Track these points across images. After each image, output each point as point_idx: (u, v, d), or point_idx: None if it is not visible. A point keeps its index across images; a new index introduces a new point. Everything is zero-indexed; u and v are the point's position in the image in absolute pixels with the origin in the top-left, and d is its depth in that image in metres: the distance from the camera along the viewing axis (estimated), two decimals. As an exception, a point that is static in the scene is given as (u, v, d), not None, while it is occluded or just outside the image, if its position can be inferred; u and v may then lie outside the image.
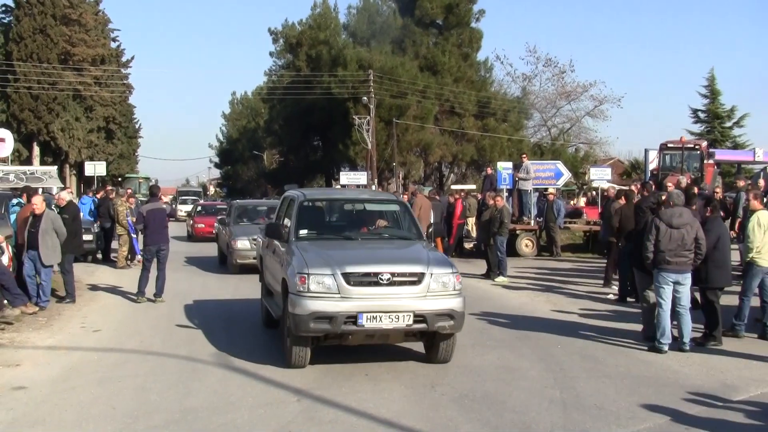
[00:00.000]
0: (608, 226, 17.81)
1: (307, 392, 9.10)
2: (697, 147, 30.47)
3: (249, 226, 22.36)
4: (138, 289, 16.49)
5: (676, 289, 11.24)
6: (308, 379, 9.67)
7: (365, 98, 51.79)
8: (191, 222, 37.53)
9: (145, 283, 16.45)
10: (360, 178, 46.11)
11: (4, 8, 55.85)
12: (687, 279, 11.28)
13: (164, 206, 17.63)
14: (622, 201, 17.26)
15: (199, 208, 39.59)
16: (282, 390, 9.26)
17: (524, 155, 29.13)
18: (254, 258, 17.94)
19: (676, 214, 11.20)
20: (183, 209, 58.93)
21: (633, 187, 18.39)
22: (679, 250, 11.07)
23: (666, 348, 11.17)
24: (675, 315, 11.42)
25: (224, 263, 23.40)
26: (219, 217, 27.33)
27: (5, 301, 13.59)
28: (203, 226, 34.91)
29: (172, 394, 9.07)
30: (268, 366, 10.38)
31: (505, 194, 25.64)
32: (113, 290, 17.86)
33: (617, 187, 24.16)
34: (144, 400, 8.83)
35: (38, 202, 15.13)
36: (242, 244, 21.04)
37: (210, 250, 27.35)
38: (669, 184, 21.36)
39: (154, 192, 18.39)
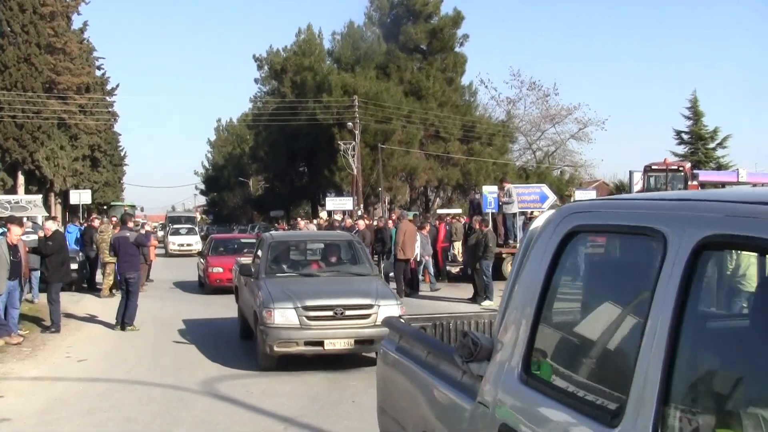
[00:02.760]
0: None
1: (294, 420, 9.06)
2: (681, 169, 30.70)
3: (296, 282, 13.01)
4: (116, 319, 16.47)
5: None
6: (295, 407, 9.61)
7: (350, 124, 51.89)
8: (203, 264, 25.60)
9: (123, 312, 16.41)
10: (346, 203, 46.18)
11: (-12, 38, 55.70)
12: None
13: (128, 234, 17.46)
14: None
15: (214, 244, 27.14)
16: (269, 418, 9.20)
17: (504, 180, 29.07)
18: (306, 342, 11.58)
19: None
20: (175, 242, 48.58)
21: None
22: None
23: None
24: None
25: (248, 338, 14.13)
26: (241, 262, 16.08)
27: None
28: (221, 270, 23.27)
29: (158, 423, 9.01)
30: (255, 395, 10.33)
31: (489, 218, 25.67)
32: (98, 319, 17.70)
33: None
34: (130, 430, 8.77)
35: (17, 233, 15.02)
36: (284, 317, 11.55)
37: (229, 307, 17.50)
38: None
39: (123, 220, 18.45)
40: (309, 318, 11.56)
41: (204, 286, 24.76)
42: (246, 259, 17.10)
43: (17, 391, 10.80)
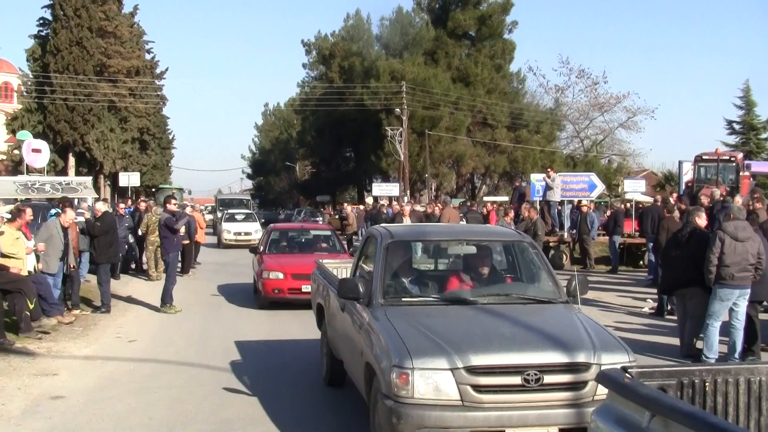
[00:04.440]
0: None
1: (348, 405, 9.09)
2: (732, 159, 30.22)
3: (439, 316, 7.53)
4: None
5: (735, 304, 11.10)
6: (347, 393, 9.64)
7: (398, 110, 51.87)
8: (257, 264, 18.22)
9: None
10: (392, 189, 46.16)
11: (42, 21, 56.56)
12: (747, 294, 11.12)
13: (158, 216, 17.68)
14: (667, 214, 17.09)
15: (274, 236, 19.74)
16: (322, 402, 9.26)
17: (550, 168, 28.96)
18: None
19: (740, 228, 10.99)
20: (231, 230, 38.28)
21: (672, 199, 18.24)
22: (744, 264, 10.86)
23: (713, 362, 10.98)
24: (727, 330, 11.30)
25: (338, 385, 9.81)
26: (338, 278, 9.59)
27: (42, 311, 13.68)
28: (280, 277, 16.51)
29: (207, 405, 9.10)
30: (306, 379, 10.42)
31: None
32: (146, 301, 17.84)
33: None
34: (180, 411, 8.87)
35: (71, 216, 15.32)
36: (432, 384, 6.42)
37: (301, 326, 13.88)
38: (702, 196, 21.17)
39: (165, 202, 18.56)
40: (478, 388, 6.39)
41: (258, 295, 17.66)
42: (332, 263, 12.14)
43: (70, 369, 10.97)
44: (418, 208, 31.24)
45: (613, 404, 3.85)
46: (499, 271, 8.97)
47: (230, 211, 42.64)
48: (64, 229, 14.96)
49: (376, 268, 8.17)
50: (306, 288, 13.71)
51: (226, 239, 37.41)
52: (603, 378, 4.16)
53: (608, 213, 29.02)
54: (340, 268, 11.66)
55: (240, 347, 12.62)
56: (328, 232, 20.47)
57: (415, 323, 7.09)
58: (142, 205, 25.60)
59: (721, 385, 4.08)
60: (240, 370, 10.89)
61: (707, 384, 4.08)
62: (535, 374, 6.39)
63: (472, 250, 8.97)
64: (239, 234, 37.60)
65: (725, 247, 10.84)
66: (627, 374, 3.95)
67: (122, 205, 24.25)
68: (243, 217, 41.15)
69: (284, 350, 12.48)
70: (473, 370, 6.36)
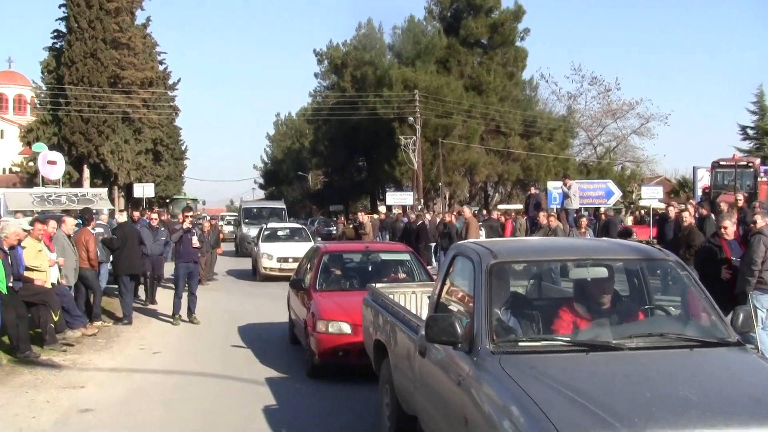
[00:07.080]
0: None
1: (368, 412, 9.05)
2: (750, 164, 30.15)
3: (580, 368, 5.29)
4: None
5: None
6: (367, 400, 9.61)
7: (411, 118, 51.86)
8: (301, 306, 12.37)
9: (179, 305, 16.55)
10: (406, 198, 46.17)
11: (56, 33, 56.95)
12: None
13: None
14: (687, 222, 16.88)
15: (326, 263, 13.06)
16: (351, 413, 9.24)
17: (566, 176, 28.82)
18: None
19: None
20: (273, 254, 25.64)
21: (690, 207, 18.17)
22: None
23: None
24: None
25: None
26: (400, 305, 8.31)
27: (66, 323, 13.70)
28: (346, 330, 10.59)
29: (238, 416, 9.08)
30: (329, 389, 10.39)
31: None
32: (167, 313, 17.75)
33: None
34: (211, 422, 8.86)
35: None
36: None
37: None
38: (722, 203, 21.11)
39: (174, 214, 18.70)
40: None
41: (307, 352, 11.57)
42: (386, 287, 9.85)
43: (97, 381, 10.97)
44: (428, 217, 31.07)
45: None
46: (626, 301, 6.64)
47: (271, 225, 30.23)
48: (69, 239, 14.96)
49: (477, 301, 5.92)
50: None
51: (266, 267, 25.46)
52: None
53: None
54: (397, 293, 9.48)
55: (265, 359, 12.60)
56: (406, 256, 13.89)
57: (550, 381, 4.96)
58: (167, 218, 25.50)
59: None
60: (269, 382, 10.90)
61: None
62: None
63: (603, 272, 6.52)
64: (285, 260, 24.94)
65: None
66: None
67: (154, 216, 20.55)
68: (287, 233, 29.16)
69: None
70: None
